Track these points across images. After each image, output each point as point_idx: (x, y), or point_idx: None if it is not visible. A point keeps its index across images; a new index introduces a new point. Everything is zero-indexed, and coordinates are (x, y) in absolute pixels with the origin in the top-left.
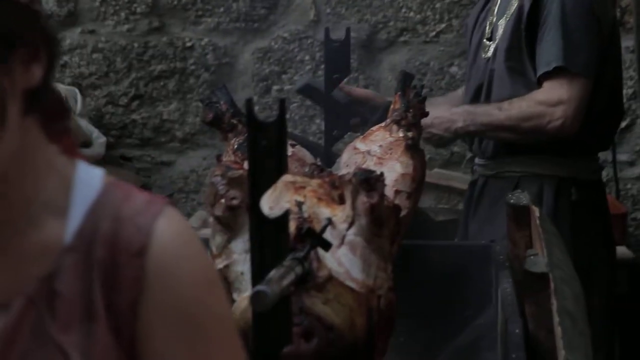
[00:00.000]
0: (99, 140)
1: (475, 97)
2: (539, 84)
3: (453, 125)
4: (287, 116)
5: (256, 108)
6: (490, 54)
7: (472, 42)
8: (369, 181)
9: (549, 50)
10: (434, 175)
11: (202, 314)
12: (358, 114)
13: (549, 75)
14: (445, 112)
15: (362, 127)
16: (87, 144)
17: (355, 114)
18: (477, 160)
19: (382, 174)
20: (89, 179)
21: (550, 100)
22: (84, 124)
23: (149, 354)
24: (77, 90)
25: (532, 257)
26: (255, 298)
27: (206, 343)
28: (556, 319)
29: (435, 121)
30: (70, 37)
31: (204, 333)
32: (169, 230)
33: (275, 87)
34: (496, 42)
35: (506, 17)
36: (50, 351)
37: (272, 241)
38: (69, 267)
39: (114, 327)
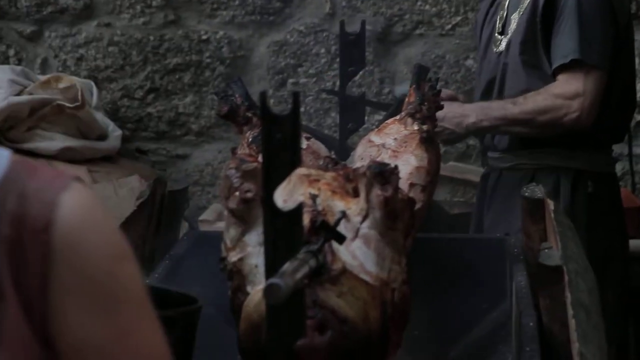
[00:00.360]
0: (115, 133)
1: (488, 91)
2: (554, 76)
3: (466, 120)
4: (302, 109)
5: (271, 101)
6: (502, 47)
7: (483, 36)
8: (383, 174)
9: (566, 42)
10: (448, 168)
11: (112, 286)
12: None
13: (564, 68)
14: (457, 107)
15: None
16: (103, 137)
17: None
18: (490, 153)
19: (396, 167)
20: None
21: (567, 93)
22: (100, 117)
23: (62, 330)
24: (92, 84)
25: (546, 250)
26: (268, 291)
27: (119, 315)
28: (570, 311)
29: (447, 115)
30: (86, 30)
31: (115, 305)
32: (74, 204)
33: (290, 80)
34: (509, 35)
35: (519, 11)
36: None
37: (286, 234)
38: None
39: (23, 305)
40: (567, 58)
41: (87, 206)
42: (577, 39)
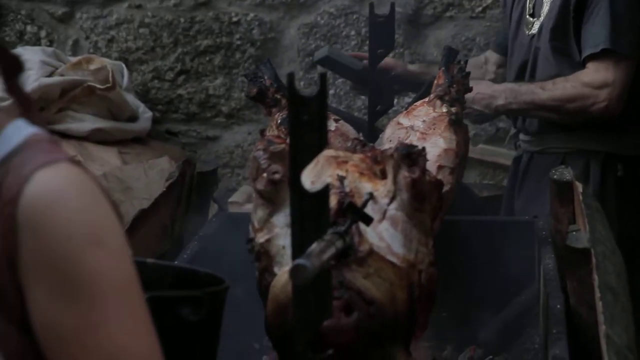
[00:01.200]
0: (145, 115)
1: (520, 74)
2: (583, 64)
3: (494, 102)
4: (333, 92)
5: (301, 83)
6: (534, 30)
7: (513, 18)
8: (411, 156)
9: (598, 31)
10: (478, 151)
11: (78, 274)
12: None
13: (594, 57)
14: (487, 88)
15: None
16: (133, 118)
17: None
18: (521, 136)
19: (423, 149)
20: (12, 137)
21: (596, 82)
22: (131, 98)
23: (30, 308)
24: (123, 65)
25: (574, 232)
26: (295, 271)
27: (85, 305)
28: (597, 294)
29: (476, 97)
30: (117, 12)
31: (81, 294)
32: (47, 181)
33: None
34: (541, 19)
35: None
36: None
37: (313, 215)
38: None
39: None
40: (597, 47)
41: (62, 186)
42: (608, 28)
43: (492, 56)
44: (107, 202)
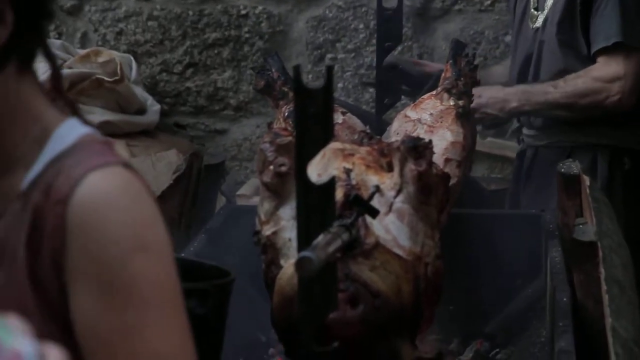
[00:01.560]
0: (154, 107)
1: (524, 68)
2: (594, 58)
3: (507, 105)
4: (341, 85)
5: (309, 76)
6: (539, 24)
7: (517, 11)
8: (417, 149)
9: (608, 25)
10: (486, 144)
11: (123, 275)
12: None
13: (605, 50)
14: (498, 92)
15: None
16: (142, 111)
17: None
18: (525, 130)
19: (430, 142)
20: (66, 136)
21: (607, 76)
22: (139, 91)
23: (72, 308)
24: (132, 58)
25: (580, 225)
26: (300, 264)
27: (128, 309)
28: (604, 287)
29: (489, 101)
30: (126, 4)
31: (125, 298)
32: (101, 183)
33: (329, 56)
34: (545, 12)
35: None
36: None
37: (318, 208)
38: (12, 212)
39: (36, 275)
40: (609, 40)
41: (112, 190)
42: (619, 22)
43: None
44: (155, 206)
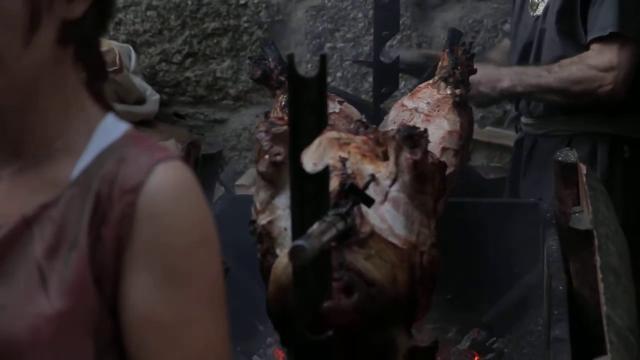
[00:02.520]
0: (153, 97)
1: (524, 56)
2: (588, 46)
3: (499, 84)
4: (340, 74)
5: (309, 66)
6: (539, 12)
7: None
8: (413, 137)
9: (605, 14)
10: (485, 133)
11: (185, 268)
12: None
13: (602, 39)
14: (492, 70)
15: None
16: (141, 101)
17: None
18: (523, 119)
19: (425, 131)
20: (112, 129)
21: (602, 65)
22: (138, 81)
23: (128, 300)
24: (131, 48)
25: (577, 214)
26: (294, 252)
27: (185, 300)
28: (599, 275)
29: (482, 79)
30: None
31: (184, 288)
32: (169, 175)
33: (328, 45)
34: (546, 0)
35: None
36: (31, 272)
37: (313, 196)
38: (68, 198)
39: (95, 260)
40: (606, 30)
41: (181, 182)
42: (617, 11)
43: None
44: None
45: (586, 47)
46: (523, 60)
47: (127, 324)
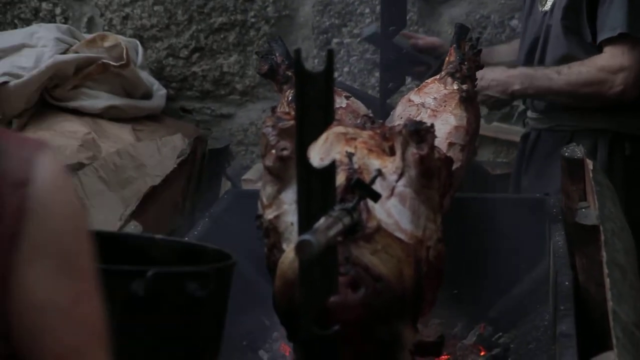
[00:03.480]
0: (160, 92)
1: (531, 51)
2: (599, 47)
3: (510, 87)
4: (347, 69)
5: (315, 61)
6: (547, 7)
7: None
8: (419, 133)
9: (614, 15)
10: (492, 128)
11: (77, 252)
12: (422, 62)
13: (611, 41)
14: (501, 74)
15: (426, 74)
16: (148, 95)
17: (418, 62)
18: (529, 113)
19: (432, 126)
20: None
21: (612, 67)
22: (145, 75)
23: (22, 285)
24: (138, 42)
25: (583, 209)
26: (300, 247)
27: (78, 282)
28: (605, 270)
29: (491, 84)
30: None
31: (77, 272)
32: (52, 164)
33: (335, 40)
34: None
35: None
36: None
37: (319, 191)
38: None
39: None
40: (615, 31)
41: (61, 170)
42: (626, 12)
43: None
44: None
45: (591, 46)
46: (529, 55)
47: (23, 315)
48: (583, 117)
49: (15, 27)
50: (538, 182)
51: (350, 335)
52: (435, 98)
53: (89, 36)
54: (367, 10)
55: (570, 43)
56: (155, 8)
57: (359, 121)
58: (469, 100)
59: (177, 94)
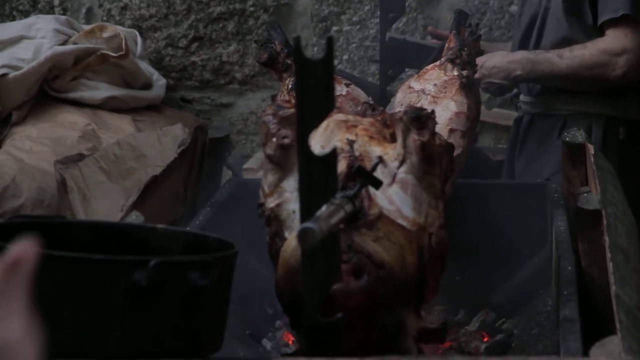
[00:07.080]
0: (159, 82)
1: (527, 34)
2: (601, 29)
3: (512, 73)
4: (347, 57)
5: (315, 49)
6: None
7: None
8: (420, 119)
9: None
10: (493, 114)
11: None
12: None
13: (613, 23)
14: (502, 60)
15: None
16: (147, 86)
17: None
18: (522, 97)
19: (433, 112)
20: None
21: (614, 49)
22: (144, 66)
23: None
24: (137, 33)
25: (585, 194)
26: (302, 235)
27: None
28: (608, 255)
29: (493, 71)
30: None
31: None
32: None
33: (334, 28)
34: None
35: None
36: None
37: (320, 179)
38: None
39: None
40: (617, 12)
41: None
42: None
43: None
44: None
45: (592, 28)
46: (526, 37)
47: None
48: (577, 101)
49: (13, 18)
50: (532, 167)
51: (354, 322)
52: (435, 84)
53: (87, 27)
54: None
55: (571, 26)
56: None
57: (359, 108)
58: (469, 86)
59: (177, 84)
